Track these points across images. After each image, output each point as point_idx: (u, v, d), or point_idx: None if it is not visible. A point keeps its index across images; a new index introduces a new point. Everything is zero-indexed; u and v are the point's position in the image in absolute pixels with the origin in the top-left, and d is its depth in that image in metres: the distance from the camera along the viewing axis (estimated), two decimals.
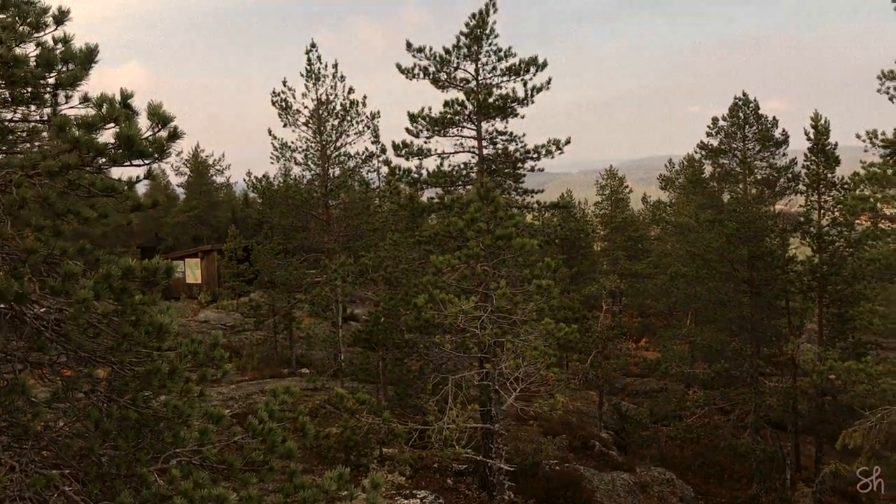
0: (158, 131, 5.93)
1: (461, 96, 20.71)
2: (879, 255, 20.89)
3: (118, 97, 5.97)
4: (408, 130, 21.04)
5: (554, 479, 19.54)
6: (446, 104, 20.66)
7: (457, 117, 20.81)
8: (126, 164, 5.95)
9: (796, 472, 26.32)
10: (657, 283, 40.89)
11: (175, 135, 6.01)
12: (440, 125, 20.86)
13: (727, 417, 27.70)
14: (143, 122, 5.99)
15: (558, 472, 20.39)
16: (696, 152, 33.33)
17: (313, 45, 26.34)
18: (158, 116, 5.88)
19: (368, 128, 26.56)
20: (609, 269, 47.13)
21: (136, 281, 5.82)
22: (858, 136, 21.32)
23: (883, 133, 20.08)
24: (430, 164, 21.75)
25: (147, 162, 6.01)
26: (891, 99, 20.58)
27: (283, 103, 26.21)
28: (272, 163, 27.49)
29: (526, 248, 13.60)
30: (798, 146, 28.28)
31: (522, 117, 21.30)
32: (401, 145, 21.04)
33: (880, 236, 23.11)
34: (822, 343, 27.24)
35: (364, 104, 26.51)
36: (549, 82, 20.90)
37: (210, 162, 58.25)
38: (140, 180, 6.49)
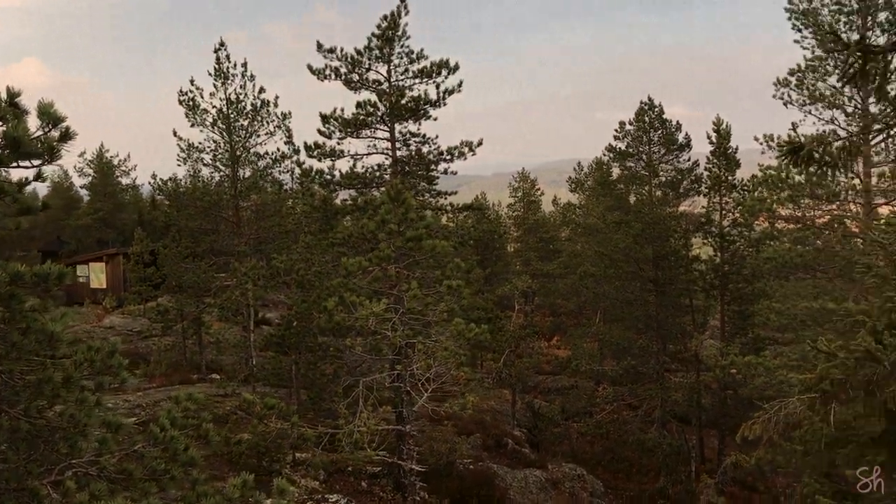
0: (49, 131, 5.71)
1: (374, 98, 20.65)
2: (776, 254, 21.79)
3: (4, 95, 5.72)
4: (320, 132, 20.81)
5: (468, 478, 19.70)
6: (359, 105, 20.54)
7: (369, 119, 20.72)
8: (14, 165, 5.70)
9: (701, 464, 27.28)
10: (567, 283, 41.70)
11: (67, 135, 5.79)
12: (353, 126, 20.73)
13: (635, 413, 28.49)
14: (34, 123, 5.75)
15: (472, 470, 20.57)
16: (604, 155, 34.20)
17: (222, 44, 25.74)
18: (49, 116, 5.66)
19: (280, 128, 26.13)
20: (522, 270, 47.83)
21: (26, 287, 5.58)
22: (757, 140, 22.26)
23: (779, 137, 21.00)
24: (344, 165, 21.65)
25: (37, 164, 5.77)
26: (785, 104, 21.60)
27: (191, 103, 25.53)
28: (179, 164, 26.74)
29: (437, 249, 13.68)
30: (701, 150, 29.32)
31: (435, 119, 21.41)
32: (313, 146, 20.80)
33: (777, 236, 24.17)
34: (724, 339, 28.30)
35: (276, 104, 26.09)
36: (460, 85, 21.03)
37: (115, 163, 56.27)
38: (29, 182, 6.22)
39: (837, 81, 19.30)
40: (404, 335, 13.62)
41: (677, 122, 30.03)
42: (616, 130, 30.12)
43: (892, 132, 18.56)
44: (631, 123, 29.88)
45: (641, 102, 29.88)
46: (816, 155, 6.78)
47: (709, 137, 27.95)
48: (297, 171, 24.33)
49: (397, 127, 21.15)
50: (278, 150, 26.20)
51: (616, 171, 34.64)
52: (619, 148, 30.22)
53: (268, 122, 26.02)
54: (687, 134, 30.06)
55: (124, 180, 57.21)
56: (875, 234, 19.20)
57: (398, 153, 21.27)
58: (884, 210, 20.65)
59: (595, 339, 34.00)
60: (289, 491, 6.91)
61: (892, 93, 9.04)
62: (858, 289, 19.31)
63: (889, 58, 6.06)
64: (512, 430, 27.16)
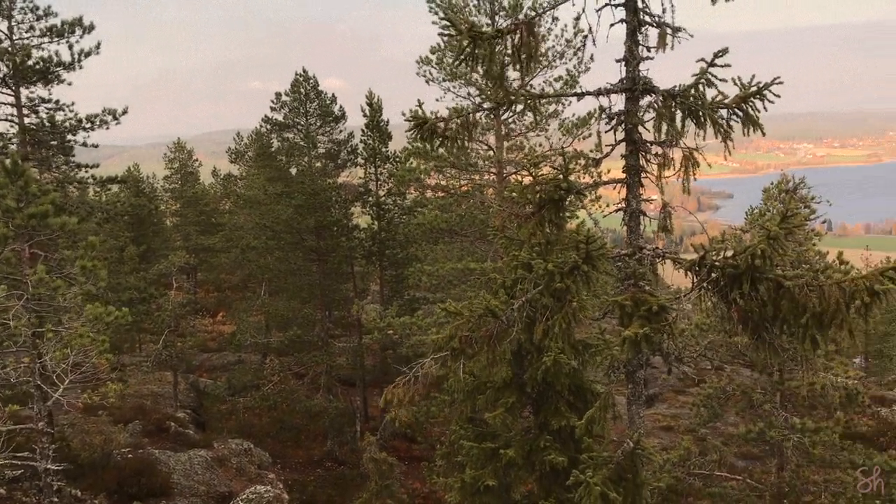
0: None
1: None
2: (426, 220, 23.33)
3: None
4: None
5: (126, 468, 18.61)
6: None
7: None
8: None
9: (366, 423, 28.57)
10: (231, 257, 40.86)
11: None
12: None
13: (302, 381, 28.92)
14: None
15: (131, 459, 19.46)
16: (261, 126, 33.82)
17: None
18: None
19: None
20: (182, 245, 45.83)
21: None
22: (403, 114, 23.39)
23: (422, 105, 22.25)
24: None
25: None
26: (427, 82, 23.01)
27: None
28: None
29: (68, 227, 12.52)
30: (356, 122, 30.22)
31: (70, 84, 19.56)
32: None
33: (426, 203, 25.93)
34: (383, 302, 29.82)
35: None
36: (98, 47, 19.44)
37: None
38: None
39: (453, 62, 21.02)
40: (30, 324, 12.33)
41: (332, 94, 30.62)
42: (273, 101, 29.89)
43: (515, 108, 20.67)
44: (287, 94, 29.83)
45: (296, 74, 29.96)
46: (439, 129, 7.31)
47: (362, 110, 28.92)
48: None
49: (24, 91, 18.96)
50: None
51: (276, 143, 34.44)
52: (277, 119, 30.04)
53: None
54: (342, 106, 30.79)
55: None
56: (502, 199, 21.38)
57: (26, 120, 19.09)
58: (514, 178, 23.01)
59: (260, 312, 33.79)
60: None
61: (510, 75, 10.08)
62: (494, 249, 21.43)
63: (495, 44, 6.70)
64: (175, 413, 26.10)
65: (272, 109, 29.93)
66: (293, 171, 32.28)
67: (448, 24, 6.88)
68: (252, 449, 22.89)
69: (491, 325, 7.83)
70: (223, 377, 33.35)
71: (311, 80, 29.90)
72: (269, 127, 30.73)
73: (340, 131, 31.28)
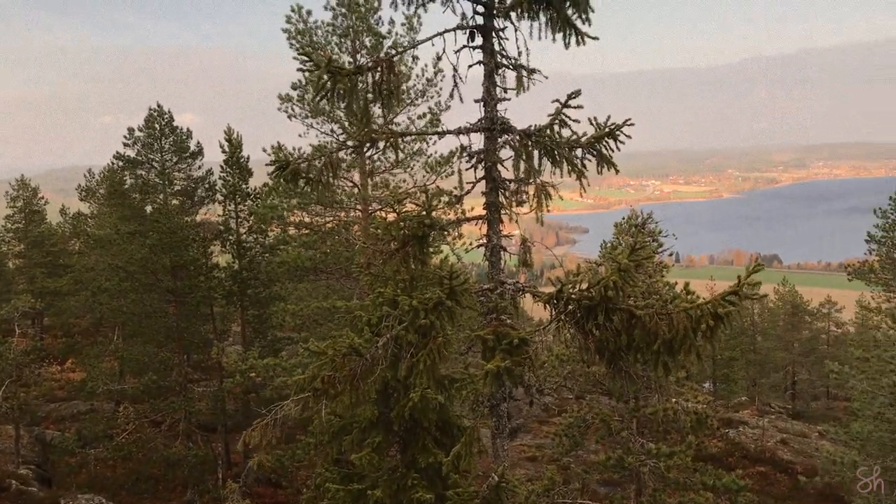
0: None
1: None
2: (289, 259, 22.94)
3: None
4: None
5: None
6: None
7: None
8: None
9: (228, 469, 27.45)
10: (80, 300, 38.63)
11: None
12: None
13: (159, 429, 27.50)
14: None
15: None
16: (113, 163, 32.36)
17: None
18: None
19: None
20: (26, 289, 42.91)
21: None
22: (265, 150, 23.08)
23: (283, 147, 21.98)
24: None
25: None
26: (290, 118, 22.77)
27: None
28: None
29: None
30: (216, 158, 29.46)
31: None
32: None
33: (289, 241, 25.50)
34: (245, 344, 28.96)
35: None
36: None
37: None
38: None
39: (313, 98, 21.03)
40: None
41: (188, 130, 29.74)
42: (125, 137, 28.69)
43: (378, 146, 20.80)
44: (141, 130, 28.73)
45: (150, 109, 28.95)
46: (302, 171, 7.23)
47: (221, 146, 28.25)
48: None
49: None
50: None
51: (129, 181, 32.99)
52: (130, 156, 28.82)
53: None
54: (199, 142, 29.97)
55: None
56: (368, 236, 21.39)
57: None
58: (380, 215, 23.05)
59: (113, 357, 32.00)
60: None
61: (374, 111, 10.14)
62: (360, 287, 21.30)
63: (355, 80, 6.72)
64: (17, 470, 24.17)
65: (125, 145, 28.72)
66: (148, 209, 31.00)
67: (306, 58, 6.84)
68: (104, 503, 21.52)
69: (355, 364, 7.73)
70: (73, 428, 31.22)
71: (167, 115, 28.97)
72: (121, 163, 29.41)
73: (198, 167, 30.39)
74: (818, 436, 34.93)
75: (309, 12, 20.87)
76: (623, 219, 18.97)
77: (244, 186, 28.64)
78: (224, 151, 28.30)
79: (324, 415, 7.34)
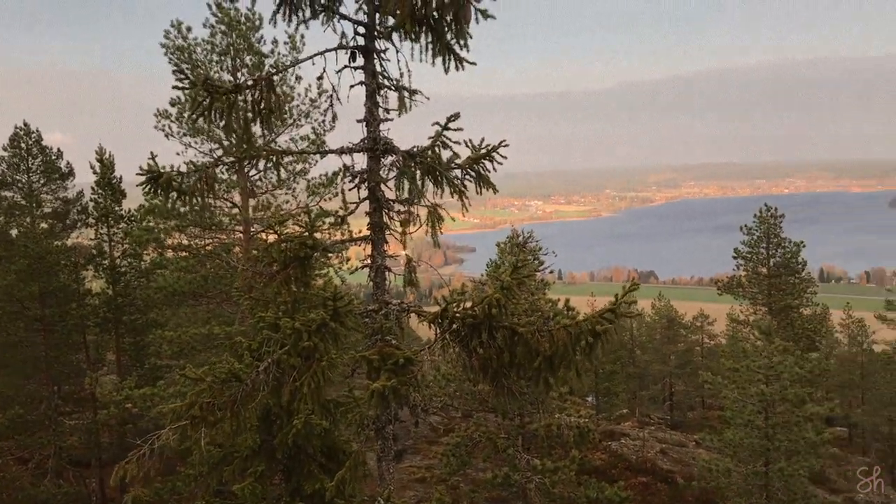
0: None
1: None
2: (166, 283, 22.11)
3: None
4: None
5: None
6: None
7: None
8: None
9: None
10: None
11: None
12: None
13: (26, 466, 25.82)
14: None
15: None
16: None
17: None
18: None
19: None
20: None
21: None
22: (141, 169, 22.19)
23: (157, 159, 21.20)
24: None
25: None
26: (167, 136, 22.05)
27: None
28: None
29: None
30: (86, 179, 28.20)
31: None
32: None
33: (167, 265, 24.58)
34: (121, 373, 27.67)
35: None
36: None
37: None
38: None
39: (189, 117, 20.40)
40: None
41: (58, 150, 28.37)
42: None
43: (259, 165, 20.44)
44: (6, 149, 27.17)
45: (16, 127, 27.44)
46: (175, 184, 6.99)
47: (92, 167, 27.05)
48: None
49: None
50: None
51: None
52: None
53: None
54: (69, 162, 28.61)
55: None
56: (249, 258, 20.89)
57: None
58: (262, 237, 22.55)
59: None
60: None
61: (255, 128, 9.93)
62: (242, 311, 20.77)
63: (234, 98, 6.57)
64: None
65: None
66: (13, 232, 29.27)
67: (182, 76, 6.64)
68: None
69: (235, 390, 7.50)
70: None
71: (34, 134, 27.52)
72: None
73: (68, 189, 28.98)
74: (695, 444, 36.36)
75: (189, 28, 20.33)
76: (507, 238, 19.34)
77: (117, 209, 27.50)
78: (95, 172, 27.10)
79: (202, 444, 7.06)
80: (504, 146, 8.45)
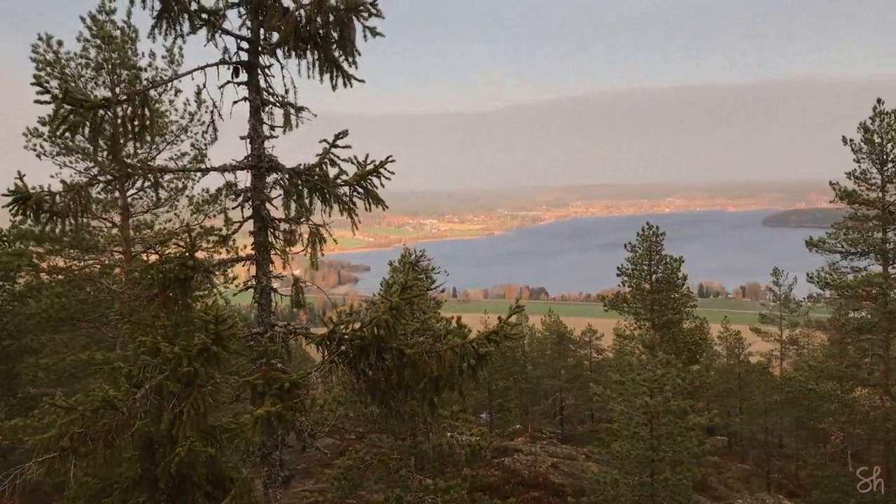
0: None
1: None
2: (41, 309, 20.95)
3: None
4: None
5: None
6: None
7: None
8: None
9: None
10: None
11: None
12: None
13: None
14: None
15: None
16: None
17: None
18: None
19: None
20: None
21: None
22: (9, 191, 20.93)
23: (24, 179, 20.05)
24: None
25: None
26: (39, 156, 20.85)
27: None
28: None
29: None
30: None
31: None
32: None
33: (41, 289, 23.25)
34: None
35: None
36: None
37: None
38: None
39: (53, 132, 19.48)
40: None
41: None
42: None
43: (136, 184, 19.69)
44: None
45: None
46: (46, 205, 6.60)
47: None
48: None
49: None
50: None
51: None
52: None
53: None
54: None
55: None
56: (128, 280, 20.03)
57: None
58: (144, 257, 21.63)
59: None
60: None
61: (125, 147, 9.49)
62: (122, 336, 19.87)
63: (101, 113, 6.26)
64: None
65: None
66: None
67: (42, 89, 6.26)
68: None
69: (109, 419, 7.10)
70: None
71: None
72: None
73: None
74: (584, 457, 37.15)
75: (60, 42, 19.33)
76: (400, 257, 19.27)
77: None
78: None
79: (72, 476, 6.63)
80: (391, 161, 8.40)
